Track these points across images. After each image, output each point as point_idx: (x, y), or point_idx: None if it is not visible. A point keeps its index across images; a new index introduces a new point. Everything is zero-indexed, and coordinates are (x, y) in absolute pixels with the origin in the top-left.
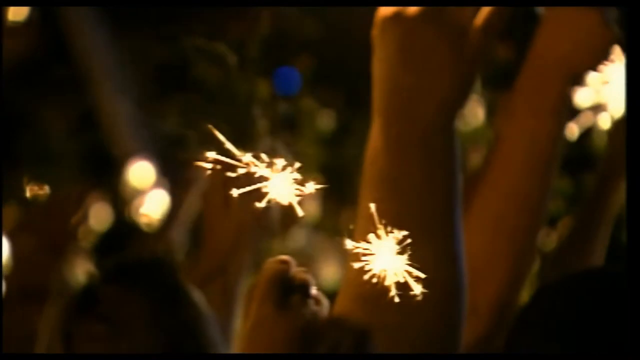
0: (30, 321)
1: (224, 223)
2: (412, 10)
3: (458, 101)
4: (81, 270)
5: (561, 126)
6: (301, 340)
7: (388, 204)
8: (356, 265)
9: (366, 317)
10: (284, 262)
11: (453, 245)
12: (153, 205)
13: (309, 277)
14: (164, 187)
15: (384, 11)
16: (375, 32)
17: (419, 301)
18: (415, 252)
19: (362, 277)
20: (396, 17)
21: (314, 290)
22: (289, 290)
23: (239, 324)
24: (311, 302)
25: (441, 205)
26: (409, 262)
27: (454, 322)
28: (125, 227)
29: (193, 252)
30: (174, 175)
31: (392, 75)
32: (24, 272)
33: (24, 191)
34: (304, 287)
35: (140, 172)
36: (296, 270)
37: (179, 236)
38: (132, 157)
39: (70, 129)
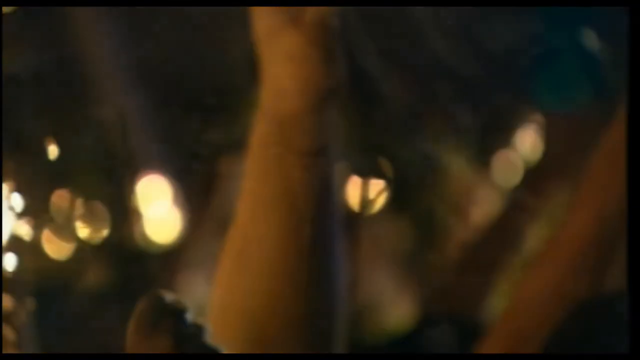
0: None
1: None
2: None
3: (317, 83)
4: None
5: None
6: None
7: (244, 203)
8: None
9: (244, 333)
10: (158, 294)
11: (316, 240)
12: (166, 223)
13: (183, 304)
14: (180, 203)
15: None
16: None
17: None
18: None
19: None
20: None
21: (189, 316)
22: (160, 318)
23: None
24: (185, 327)
25: (302, 203)
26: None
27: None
28: (136, 246)
29: None
30: (192, 191)
31: (261, 68)
32: None
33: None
34: (176, 314)
35: (153, 187)
36: (170, 300)
37: (196, 258)
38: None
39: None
